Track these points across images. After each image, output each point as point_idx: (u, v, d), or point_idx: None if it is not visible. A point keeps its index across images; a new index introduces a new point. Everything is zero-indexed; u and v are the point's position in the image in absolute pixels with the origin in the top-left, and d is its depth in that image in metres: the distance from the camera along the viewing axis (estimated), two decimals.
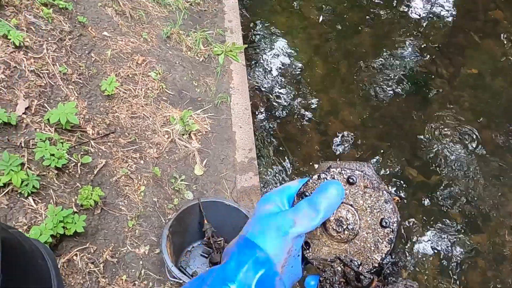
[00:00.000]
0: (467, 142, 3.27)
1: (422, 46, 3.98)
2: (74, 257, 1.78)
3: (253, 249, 0.44)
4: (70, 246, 1.80)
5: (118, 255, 1.89)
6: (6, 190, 1.75)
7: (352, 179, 0.46)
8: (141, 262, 1.91)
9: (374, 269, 0.45)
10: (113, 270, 1.84)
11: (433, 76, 3.77)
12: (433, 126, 3.37)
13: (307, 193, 0.48)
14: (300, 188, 0.49)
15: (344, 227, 0.46)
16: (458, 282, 2.63)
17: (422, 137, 3.30)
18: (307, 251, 0.48)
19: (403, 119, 3.42)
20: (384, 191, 0.46)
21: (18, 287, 0.49)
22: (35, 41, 2.30)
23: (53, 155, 1.84)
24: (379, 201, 0.46)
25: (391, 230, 0.45)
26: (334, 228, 0.46)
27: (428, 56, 3.91)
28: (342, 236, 0.46)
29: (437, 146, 3.25)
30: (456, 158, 3.18)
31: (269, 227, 0.45)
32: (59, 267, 1.68)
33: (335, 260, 0.46)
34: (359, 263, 0.46)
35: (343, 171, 0.47)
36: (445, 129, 3.34)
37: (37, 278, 0.54)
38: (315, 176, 0.48)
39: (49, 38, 2.38)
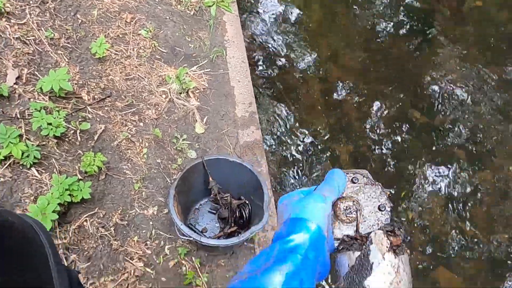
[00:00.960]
0: (471, 79, 3.19)
1: None
2: (84, 223, 1.80)
3: (302, 222, 0.55)
4: (79, 213, 1.82)
5: (128, 217, 1.92)
6: (8, 163, 1.75)
7: (355, 178, 0.62)
8: (150, 223, 1.94)
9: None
10: (124, 232, 1.88)
11: (435, 12, 3.60)
12: (436, 65, 3.28)
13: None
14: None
15: (350, 212, 0.60)
16: (463, 219, 2.68)
17: (425, 77, 3.22)
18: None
19: (406, 60, 3.32)
20: (379, 186, 0.61)
21: (13, 261, 0.47)
22: (16, 6, 2.19)
23: (50, 124, 1.81)
24: (375, 193, 0.61)
25: (387, 212, 0.60)
26: (344, 213, 0.60)
27: None
28: (349, 219, 0.60)
29: (441, 86, 3.17)
30: (460, 96, 3.12)
31: (308, 204, 0.56)
32: (70, 234, 1.71)
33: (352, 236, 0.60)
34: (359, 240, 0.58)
35: (347, 175, 0.62)
36: (449, 67, 3.25)
37: (31, 252, 0.52)
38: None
39: (31, 2, 2.27)
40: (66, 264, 1.65)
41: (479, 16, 3.56)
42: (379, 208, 0.60)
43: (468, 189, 2.79)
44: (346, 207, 0.60)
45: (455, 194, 2.77)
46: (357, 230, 0.59)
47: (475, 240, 2.62)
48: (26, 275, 0.50)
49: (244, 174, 1.86)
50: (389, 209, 0.60)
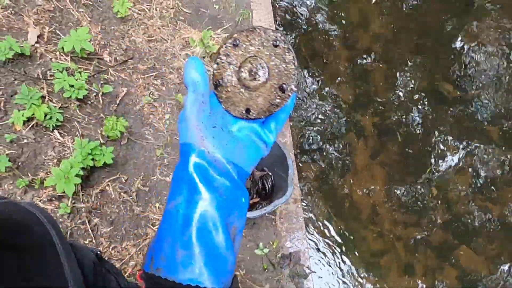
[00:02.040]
0: (509, 49, 2.99)
1: None
2: (107, 188, 1.80)
3: (181, 148, 0.47)
4: (102, 177, 1.81)
5: (149, 183, 1.91)
6: (31, 125, 1.73)
7: (236, 41, 0.52)
8: None
9: (296, 77, 0.53)
10: (146, 198, 1.87)
11: None
12: (473, 35, 3.08)
13: (219, 80, 0.52)
14: (213, 80, 0.53)
15: (256, 70, 0.52)
16: (489, 199, 2.60)
17: (459, 48, 3.04)
18: (248, 114, 0.53)
19: (440, 30, 3.12)
20: (258, 28, 0.51)
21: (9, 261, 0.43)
22: None
23: (72, 86, 1.77)
24: (261, 36, 0.52)
25: (283, 42, 0.52)
26: (251, 79, 0.52)
27: None
28: (261, 79, 0.52)
29: (476, 58, 2.99)
30: (496, 71, 2.94)
31: (181, 124, 0.48)
32: (93, 198, 1.71)
33: (274, 97, 0.53)
34: (285, 84, 0.53)
35: (227, 44, 0.52)
36: (489, 40, 3.05)
37: (35, 241, 0.49)
38: (215, 65, 0.53)
39: None
40: (90, 230, 1.66)
41: None
42: (273, 45, 0.52)
43: (498, 169, 2.68)
44: (249, 70, 0.52)
45: (483, 172, 2.67)
46: (283, 90, 0.53)
47: (500, 221, 2.55)
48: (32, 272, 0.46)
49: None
50: (281, 38, 0.52)
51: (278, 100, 0.53)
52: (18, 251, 0.44)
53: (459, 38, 3.07)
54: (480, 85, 2.91)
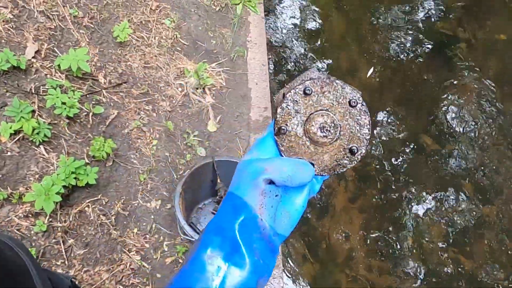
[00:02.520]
0: (486, 112, 3.17)
1: (449, 5, 3.75)
2: (86, 208, 1.77)
3: (231, 199, 0.47)
4: (82, 197, 1.79)
5: (130, 208, 1.89)
6: (17, 138, 1.71)
7: (307, 90, 0.50)
8: (152, 216, 1.91)
9: (368, 142, 0.51)
10: (124, 223, 1.84)
11: (457, 39, 3.58)
12: (453, 92, 3.25)
13: (282, 129, 0.50)
14: (274, 128, 0.51)
15: (328, 129, 0.50)
16: (462, 252, 2.66)
17: (440, 104, 3.20)
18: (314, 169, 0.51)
19: (423, 83, 3.30)
20: (336, 81, 0.50)
21: None
22: None
23: (64, 103, 1.77)
24: (337, 91, 0.50)
25: (361, 104, 0.50)
26: (321, 135, 0.50)
27: (454, 16, 3.70)
28: (332, 137, 0.51)
29: (455, 114, 3.15)
30: (474, 128, 3.09)
31: (244, 175, 0.48)
32: (70, 218, 1.67)
33: (342, 157, 0.51)
34: (356, 147, 0.51)
35: (297, 90, 0.50)
36: (465, 97, 3.23)
37: (13, 271, 0.49)
38: (279, 109, 0.51)
39: None
40: (56, 271, 1.61)
41: (501, 49, 3.54)
42: (350, 105, 0.50)
43: (471, 222, 2.76)
44: (321, 126, 0.50)
45: (457, 224, 2.75)
46: (353, 153, 0.51)
47: (472, 274, 2.60)
48: None
49: None
50: (361, 100, 0.50)
51: (345, 161, 0.51)
52: None
53: (440, 95, 3.24)
54: (457, 140, 3.05)
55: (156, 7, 2.53)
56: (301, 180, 0.47)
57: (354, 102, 0.50)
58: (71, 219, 1.70)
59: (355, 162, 0.51)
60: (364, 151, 0.51)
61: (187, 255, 0.47)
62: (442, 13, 3.71)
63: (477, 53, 3.50)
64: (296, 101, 0.50)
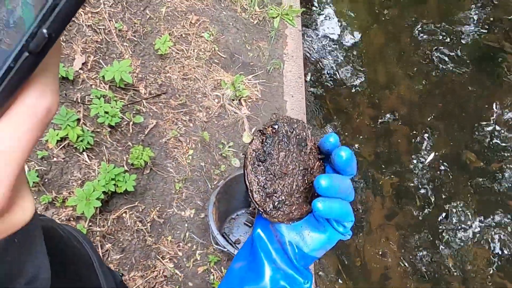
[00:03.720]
0: None
1: (494, 17, 3.60)
2: (124, 214, 1.82)
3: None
4: (120, 204, 1.84)
5: (165, 215, 1.92)
6: (63, 144, 1.80)
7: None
8: (186, 225, 1.94)
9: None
10: (159, 230, 1.88)
11: (504, 52, 3.43)
12: (498, 109, 3.10)
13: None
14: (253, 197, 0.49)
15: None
16: (510, 277, 2.49)
17: (485, 120, 3.06)
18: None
19: (466, 99, 3.17)
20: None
21: (62, 270, 0.46)
22: None
23: (107, 112, 1.85)
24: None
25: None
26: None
27: (501, 28, 3.55)
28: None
29: (501, 131, 3.00)
30: None
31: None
32: (109, 223, 1.73)
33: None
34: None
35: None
36: None
37: (77, 259, 0.52)
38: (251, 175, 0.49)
39: None
40: (101, 255, 1.66)
41: None
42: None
43: None
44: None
45: (503, 248, 2.59)
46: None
47: None
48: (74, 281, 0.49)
49: None
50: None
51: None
52: (64, 263, 0.47)
53: (485, 110, 3.10)
54: (503, 158, 2.89)
55: (196, 20, 2.61)
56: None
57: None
58: (109, 224, 1.76)
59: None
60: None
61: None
62: (488, 25, 3.57)
63: None
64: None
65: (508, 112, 3.07)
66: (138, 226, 1.83)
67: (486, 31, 3.54)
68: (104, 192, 1.69)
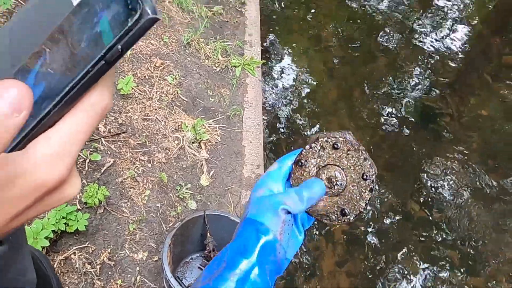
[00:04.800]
0: (472, 184, 3.27)
1: (434, 80, 4.01)
2: (72, 256, 1.74)
3: (254, 224, 0.54)
4: (69, 244, 1.76)
5: (116, 258, 1.86)
6: None
7: (337, 145, 0.56)
8: (137, 268, 1.88)
9: (360, 213, 0.56)
10: (109, 273, 1.80)
11: (443, 113, 3.78)
12: (439, 163, 3.37)
13: (302, 161, 0.58)
14: (296, 157, 0.58)
15: (334, 183, 0.56)
16: None
17: (427, 173, 3.30)
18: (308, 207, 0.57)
19: (410, 152, 3.42)
20: (363, 151, 0.56)
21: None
22: None
23: None
24: (359, 160, 0.56)
25: (371, 181, 0.56)
26: (326, 185, 0.56)
27: (439, 91, 3.94)
28: (333, 191, 0.56)
29: (442, 183, 3.24)
30: (460, 198, 3.17)
31: (265, 206, 0.55)
32: (55, 265, 1.64)
33: (333, 211, 0.57)
34: (348, 211, 0.56)
35: (329, 139, 0.57)
36: (451, 168, 3.34)
37: (42, 281, 0.52)
38: (307, 146, 0.58)
39: None
40: None
41: (484, 124, 3.74)
42: (362, 177, 0.56)
43: None
44: (330, 177, 0.56)
45: None
46: (343, 214, 0.56)
47: None
48: None
49: None
50: (374, 177, 0.56)
51: (333, 217, 0.57)
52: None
53: (427, 164, 3.35)
54: (443, 209, 3.10)
55: (160, 64, 2.68)
56: (314, 200, 0.56)
57: (366, 177, 0.56)
58: (56, 266, 1.67)
59: (339, 223, 0.57)
60: (352, 219, 0.57)
61: (212, 274, 0.53)
62: (428, 88, 3.96)
63: (461, 127, 3.68)
64: (324, 148, 0.57)
65: (447, 169, 3.34)
66: (86, 268, 1.75)
67: (426, 92, 3.92)
68: (53, 231, 1.62)
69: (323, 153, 0.57)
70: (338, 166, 0.57)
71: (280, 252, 0.54)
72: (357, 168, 0.56)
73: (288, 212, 0.54)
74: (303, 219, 0.59)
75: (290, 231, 0.55)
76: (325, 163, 0.57)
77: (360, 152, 0.56)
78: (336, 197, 0.57)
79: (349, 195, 0.56)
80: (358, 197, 0.56)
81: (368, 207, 3.01)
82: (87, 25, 0.23)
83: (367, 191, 0.56)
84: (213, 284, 0.51)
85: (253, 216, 0.55)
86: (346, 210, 0.56)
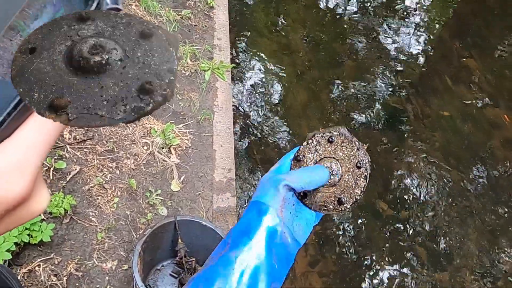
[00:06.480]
0: (436, 181, 3.39)
1: (400, 83, 4.14)
2: (37, 268, 1.67)
3: (256, 205, 0.55)
4: (33, 256, 1.70)
5: (84, 268, 1.80)
6: None
7: (332, 138, 0.60)
8: (107, 278, 1.83)
9: (357, 201, 0.59)
10: (77, 284, 1.75)
11: (408, 114, 3.91)
12: (405, 162, 3.48)
13: (299, 157, 0.61)
14: (295, 154, 0.62)
15: (330, 174, 0.59)
16: None
17: (394, 172, 3.40)
18: (305, 199, 0.59)
19: (378, 152, 3.52)
20: (356, 142, 0.60)
21: None
22: None
23: None
24: (353, 150, 0.59)
25: (365, 169, 0.59)
26: None
27: (405, 93, 4.08)
28: (330, 182, 0.59)
29: (408, 182, 3.35)
30: (425, 195, 3.29)
31: (267, 185, 0.56)
32: (18, 278, 1.58)
33: (330, 201, 0.60)
34: (344, 199, 0.59)
35: (324, 135, 0.61)
36: (417, 166, 3.46)
37: None
38: (305, 143, 0.61)
39: None
40: None
41: (446, 124, 3.89)
42: (356, 166, 0.59)
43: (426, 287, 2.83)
44: (327, 167, 0.59)
45: None
46: (340, 203, 0.58)
47: None
48: None
49: (215, 240, 1.83)
50: (367, 165, 0.59)
51: (331, 207, 0.59)
52: None
53: (394, 164, 3.45)
54: (410, 207, 3.21)
55: None
56: (317, 182, 0.57)
57: (360, 165, 0.59)
58: (19, 279, 1.60)
59: (337, 212, 0.60)
60: (349, 207, 0.59)
61: (215, 255, 0.54)
62: (394, 90, 4.08)
63: (425, 127, 3.82)
64: (320, 143, 0.61)
65: (412, 167, 3.45)
66: (52, 281, 1.69)
67: (392, 94, 4.04)
68: (16, 243, 1.56)
69: (319, 148, 0.60)
70: (333, 158, 0.60)
71: (285, 232, 0.54)
72: (351, 158, 0.59)
73: (290, 190, 0.55)
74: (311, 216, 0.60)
75: (293, 210, 0.56)
76: (322, 157, 0.60)
77: (354, 143, 0.59)
78: (333, 188, 0.59)
79: (345, 184, 0.59)
80: (353, 185, 0.59)
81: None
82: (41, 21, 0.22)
83: (361, 179, 0.59)
84: (217, 262, 0.51)
85: (256, 198, 0.56)
86: (342, 199, 0.58)
